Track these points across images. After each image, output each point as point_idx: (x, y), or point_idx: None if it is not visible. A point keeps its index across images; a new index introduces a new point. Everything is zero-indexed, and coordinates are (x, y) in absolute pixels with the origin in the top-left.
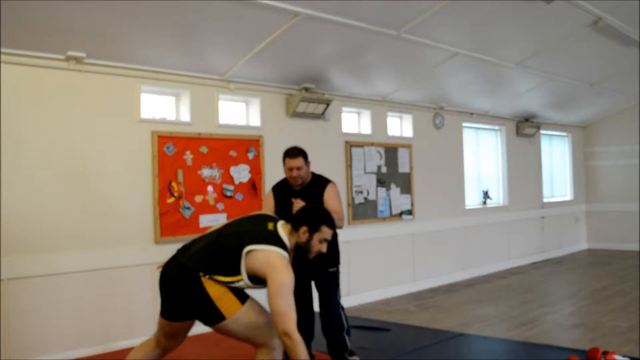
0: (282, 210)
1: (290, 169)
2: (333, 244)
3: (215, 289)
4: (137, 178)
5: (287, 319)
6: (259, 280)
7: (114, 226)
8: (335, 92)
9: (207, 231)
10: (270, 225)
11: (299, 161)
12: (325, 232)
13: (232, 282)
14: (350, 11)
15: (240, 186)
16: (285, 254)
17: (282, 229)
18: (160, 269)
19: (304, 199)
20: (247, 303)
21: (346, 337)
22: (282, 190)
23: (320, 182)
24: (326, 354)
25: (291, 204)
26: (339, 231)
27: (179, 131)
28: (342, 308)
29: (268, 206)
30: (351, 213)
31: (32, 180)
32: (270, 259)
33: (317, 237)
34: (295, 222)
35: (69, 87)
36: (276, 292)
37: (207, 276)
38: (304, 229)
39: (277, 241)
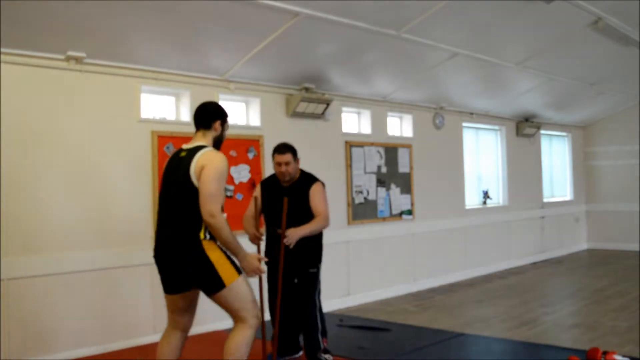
0: (272, 205)
1: (279, 164)
2: (315, 244)
3: (217, 255)
4: (137, 178)
5: (217, 201)
6: None
7: (113, 226)
8: (335, 92)
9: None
10: (182, 152)
11: (287, 157)
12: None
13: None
14: (350, 11)
15: (240, 186)
16: (213, 149)
17: (197, 140)
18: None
19: (292, 196)
20: (243, 274)
21: (320, 338)
22: (271, 186)
23: (307, 181)
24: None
25: (280, 199)
26: (337, 231)
27: (179, 131)
28: (320, 309)
29: (256, 199)
30: (351, 213)
31: (32, 180)
32: (205, 156)
33: (226, 127)
34: (204, 123)
35: (69, 87)
36: (214, 176)
37: (207, 238)
38: (216, 123)
39: (201, 148)
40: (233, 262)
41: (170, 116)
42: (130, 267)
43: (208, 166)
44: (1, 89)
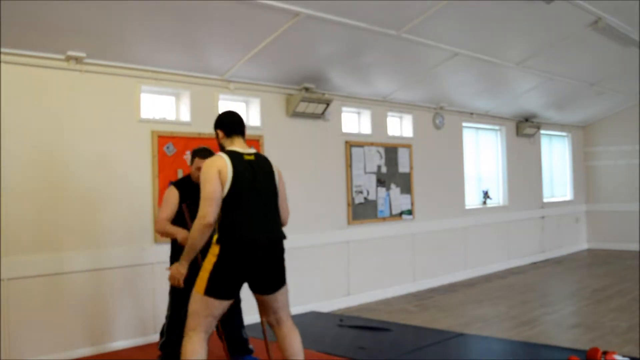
0: (192, 206)
1: (200, 169)
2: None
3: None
4: (137, 178)
5: None
6: None
7: (114, 226)
8: (335, 92)
9: (248, 201)
10: (246, 156)
11: None
12: None
13: None
14: (350, 11)
15: None
16: None
17: (241, 146)
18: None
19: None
20: None
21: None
22: (187, 189)
23: None
24: (319, 353)
25: (198, 200)
26: (337, 231)
27: (179, 131)
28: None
29: (174, 202)
30: (351, 213)
31: (32, 180)
32: (275, 166)
33: None
34: (244, 130)
35: (69, 87)
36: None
37: None
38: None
39: (263, 156)
40: None
41: (170, 116)
42: (131, 267)
43: (281, 175)
44: (1, 89)
